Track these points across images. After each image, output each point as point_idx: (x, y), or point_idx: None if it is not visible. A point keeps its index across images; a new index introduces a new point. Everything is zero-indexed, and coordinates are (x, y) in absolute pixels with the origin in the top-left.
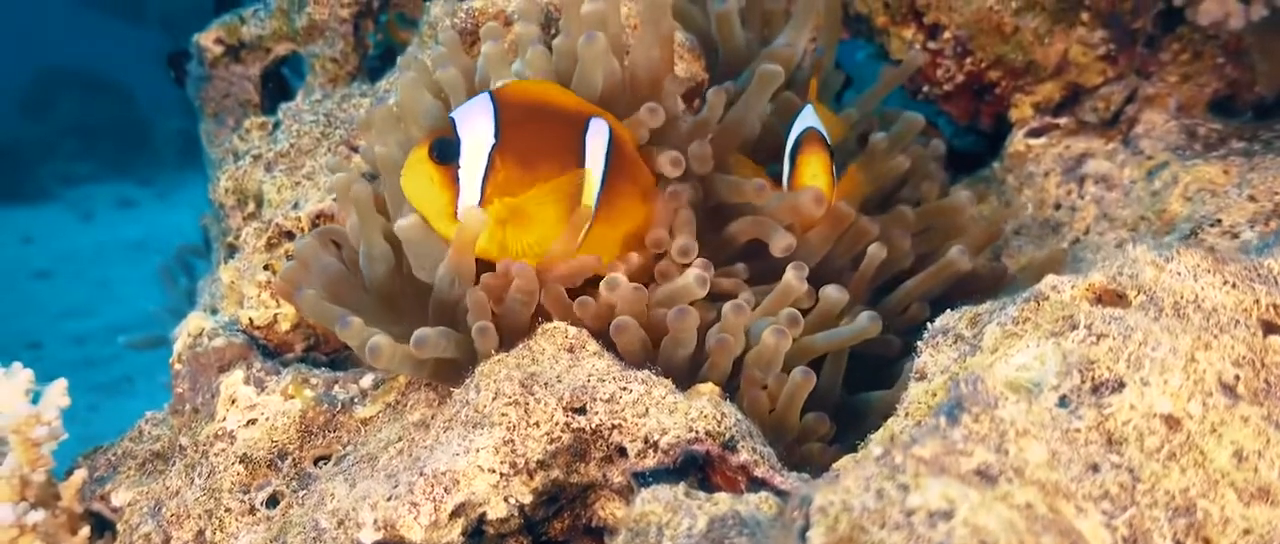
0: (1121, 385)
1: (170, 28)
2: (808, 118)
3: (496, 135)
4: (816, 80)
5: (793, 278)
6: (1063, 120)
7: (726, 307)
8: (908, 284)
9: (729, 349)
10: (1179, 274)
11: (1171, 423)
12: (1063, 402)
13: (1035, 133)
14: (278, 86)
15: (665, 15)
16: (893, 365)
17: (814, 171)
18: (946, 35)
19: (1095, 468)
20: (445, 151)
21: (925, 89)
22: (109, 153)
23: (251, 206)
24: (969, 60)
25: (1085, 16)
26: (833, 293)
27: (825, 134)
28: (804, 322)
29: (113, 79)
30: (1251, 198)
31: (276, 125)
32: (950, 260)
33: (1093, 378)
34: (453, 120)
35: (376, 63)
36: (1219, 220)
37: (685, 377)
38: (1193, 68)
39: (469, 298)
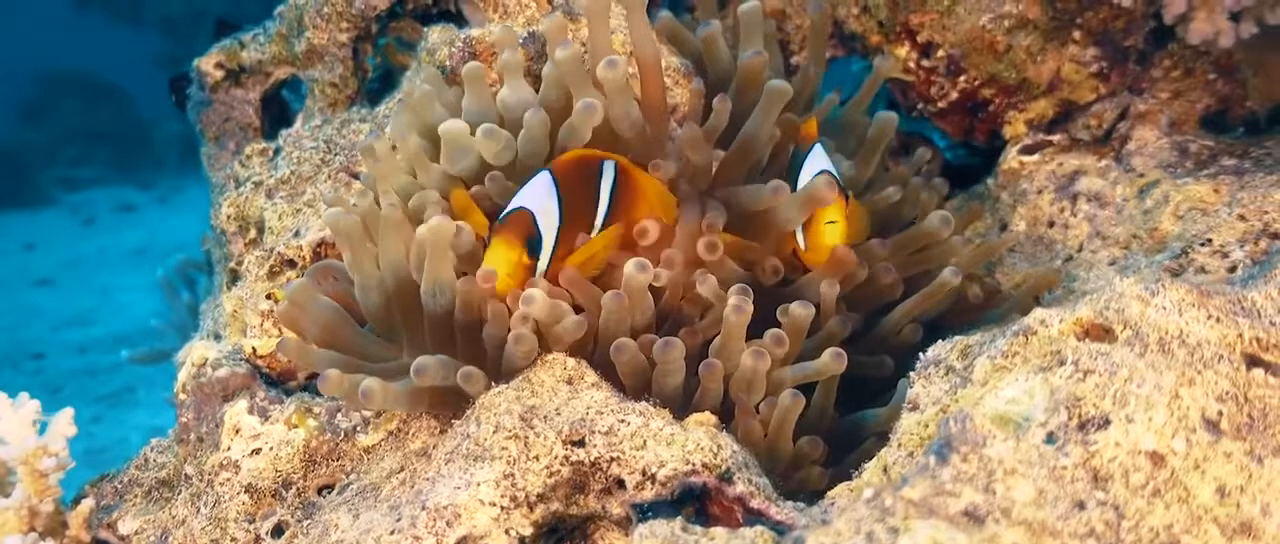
0: (1107, 422)
1: (170, 32)
2: (819, 160)
3: (560, 218)
4: (815, 120)
5: (798, 309)
6: (1056, 137)
7: (728, 308)
8: (902, 307)
9: (717, 373)
10: (1164, 309)
11: (1156, 459)
12: (1050, 438)
13: (1028, 150)
14: (278, 110)
15: (627, 89)
16: (889, 386)
17: (830, 220)
18: (940, 53)
19: (1081, 505)
20: (534, 249)
21: (920, 106)
22: (110, 157)
23: (253, 233)
24: (962, 78)
25: (1077, 34)
26: (798, 309)
27: (837, 175)
28: (788, 344)
29: (112, 83)
30: (1241, 217)
31: (277, 151)
32: (944, 281)
33: (1079, 415)
34: (532, 215)
35: (376, 86)
36: (1210, 240)
37: (679, 402)
38: (1184, 84)
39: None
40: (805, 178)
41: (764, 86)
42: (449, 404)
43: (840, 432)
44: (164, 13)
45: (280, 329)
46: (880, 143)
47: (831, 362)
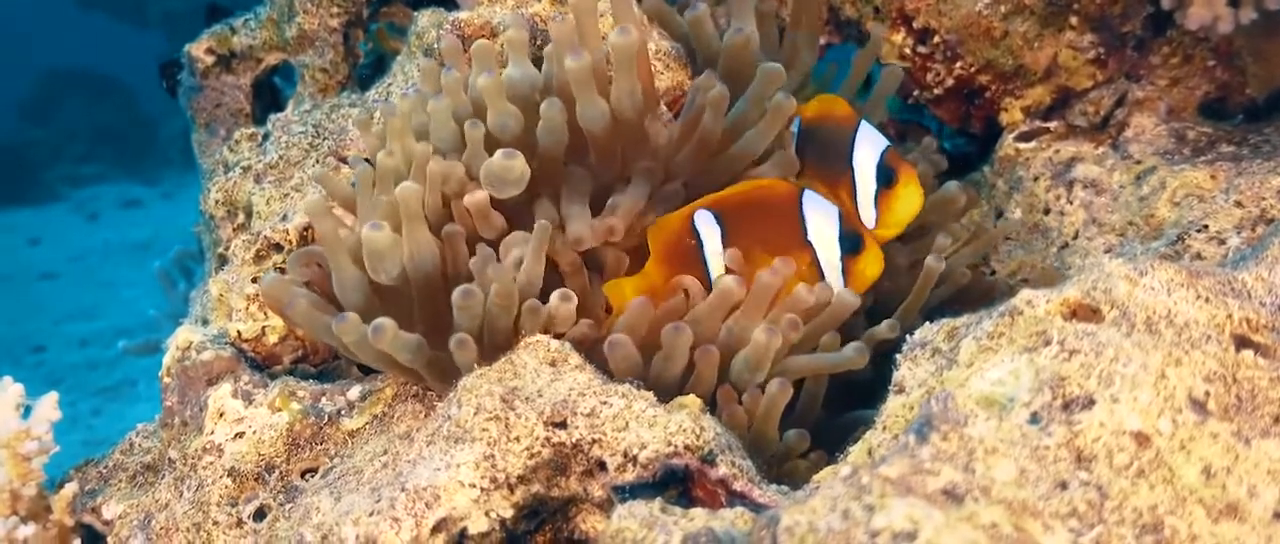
0: (1092, 402)
1: (172, 29)
2: (876, 139)
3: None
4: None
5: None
6: (1052, 124)
7: (754, 285)
8: (905, 304)
9: (713, 361)
10: (1152, 289)
11: (1141, 440)
12: (1033, 418)
13: (1025, 137)
14: (270, 96)
15: (634, 61)
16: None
17: (908, 204)
18: (936, 40)
19: (1064, 485)
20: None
21: (916, 93)
22: (114, 154)
23: (241, 218)
24: (959, 64)
25: (1074, 20)
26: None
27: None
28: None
29: (116, 80)
30: (1238, 203)
31: (266, 136)
32: (944, 267)
33: (1064, 394)
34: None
35: (367, 72)
36: (1206, 226)
37: (675, 390)
38: (1183, 71)
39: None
40: (863, 156)
41: (759, 69)
42: (449, 369)
43: (838, 430)
44: (166, 10)
45: (266, 313)
46: (886, 93)
47: (855, 356)
